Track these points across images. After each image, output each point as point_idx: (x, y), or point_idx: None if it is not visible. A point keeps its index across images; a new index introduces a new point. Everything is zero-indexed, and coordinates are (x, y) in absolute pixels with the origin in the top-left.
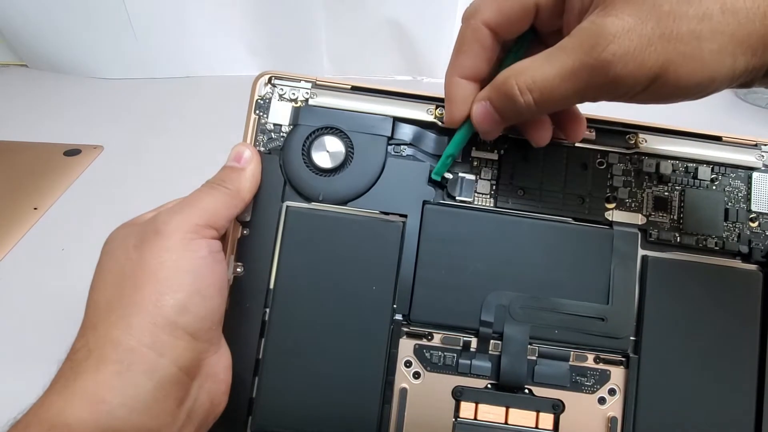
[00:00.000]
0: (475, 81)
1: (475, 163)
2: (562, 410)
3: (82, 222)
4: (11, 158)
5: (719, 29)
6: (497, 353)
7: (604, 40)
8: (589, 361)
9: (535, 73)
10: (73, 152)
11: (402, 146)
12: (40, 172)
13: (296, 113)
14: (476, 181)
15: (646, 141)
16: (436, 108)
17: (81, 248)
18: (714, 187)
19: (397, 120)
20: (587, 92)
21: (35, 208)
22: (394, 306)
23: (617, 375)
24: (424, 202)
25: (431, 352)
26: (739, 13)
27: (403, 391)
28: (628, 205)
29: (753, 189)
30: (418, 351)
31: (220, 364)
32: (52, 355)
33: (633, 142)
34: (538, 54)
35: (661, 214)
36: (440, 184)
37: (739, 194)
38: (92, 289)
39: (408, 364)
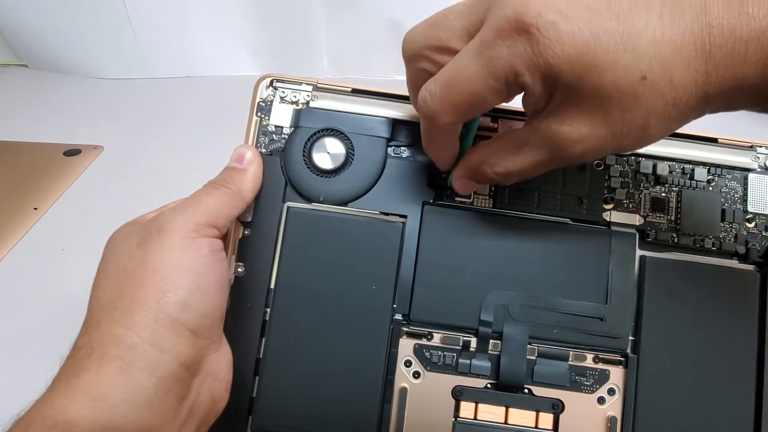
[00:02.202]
0: (455, 144)
1: None
2: (562, 410)
3: (82, 222)
4: (11, 158)
5: (663, 117)
6: (497, 353)
7: (566, 144)
8: (588, 361)
9: (507, 165)
10: (73, 152)
11: (401, 148)
12: (40, 172)
13: (297, 115)
14: None
15: None
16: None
17: (81, 248)
18: (710, 188)
19: (396, 122)
20: (558, 167)
21: (35, 208)
22: (394, 306)
23: (616, 375)
24: (424, 203)
25: (431, 351)
26: (678, 103)
27: (403, 391)
28: (625, 205)
29: (749, 190)
30: (418, 350)
31: (221, 361)
32: (52, 354)
33: None
34: (503, 141)
35: (658, 215)
36: (441, 185)
37: (736, 195)
38: (95, 287)
39: (408, 363)
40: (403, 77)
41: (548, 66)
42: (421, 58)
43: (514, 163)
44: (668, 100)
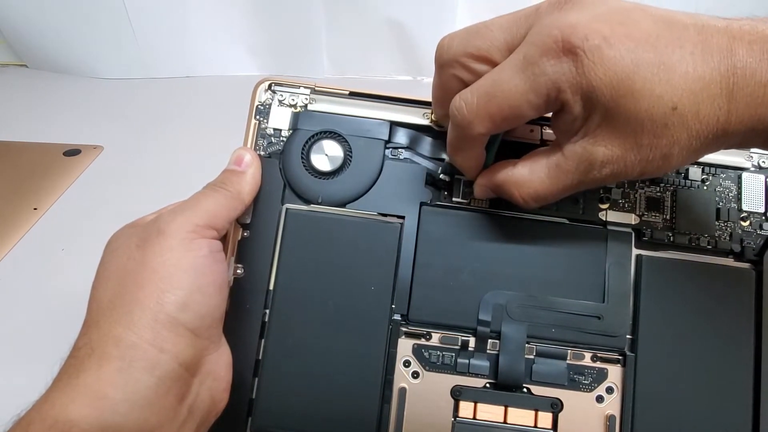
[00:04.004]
0: (481, 154)
1: None
2: (561, 409)
3: (82, 222)
4: (11, 158)
5: (685, 147)
6: (495, 352)
7: (598, 166)
8: (587, 360)
9: (536, 187)
10: (73, 152)
11: (399, 149)
12: (40, 172)
13: (295, 118)
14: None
15: None
16: (432, 112)
17: (81, 248)
18: (705, 188)
19: (394, 124)
20: (575, 192)
21: (35, 208)
22: (393, 306)
23: (614, 373)
24: (421, 204)
25: (430, 351)
26: (701, 135)
27: (402, 391)
28: (621, 205)
29: (743, 189)
30: (417, 350)
31: (220, 361)
32: (52, 354)
33: None
34: (534, 164)
35: (654, 214)
36: (438, 186)
37: (730, 194)
38: (94, 288)
39: (407, 363)
40: (403, 77)
41: (590, 87)
42: (457, 65)
43: (543, 186)
44: (692, 132)
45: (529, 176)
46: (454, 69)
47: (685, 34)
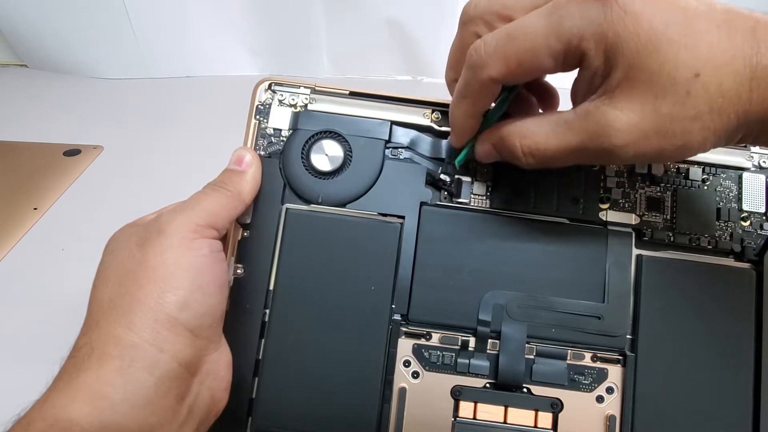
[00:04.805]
0: (480, 116)
1: (471, 165)
2: (561, 409)
3: (82, 222)
4: (11, 158)
5: (706, 125)
6: (495, 352)
7: (609, 131)
8: (587, 360)
9: (538, 140)
10: (73, 152)
11: (399, 149)
12: (40, 172)
13: (296, 118)
14: (472, 182)
15: None
16: (432, 112)
17: (81, 248)
18: (705, 188)
19: (394, 124)
20: (582, 161)
21: (35, 208)
22: (393, 306)
23: (614, 373)
24: (422, 204)
25: (430, 351)
26: (723, 113)
27: (402, 391)
28: (621, 205)
29: (744, 189)
30: (417, 350)
31: (220, 361)
32: (52, 354)
33: None
34: (542, 119)
35: (654, 214)
36: (438, 186)
37: (731, 194)
38: (95, 288)
39: (407, 363)
40: (403, 77)
41: (616, 38)
42: (480, 22)
43: (546, 141)
44: (714, 106)
45: (533, 128)
46: (477, 26)
47: (712, 10)
